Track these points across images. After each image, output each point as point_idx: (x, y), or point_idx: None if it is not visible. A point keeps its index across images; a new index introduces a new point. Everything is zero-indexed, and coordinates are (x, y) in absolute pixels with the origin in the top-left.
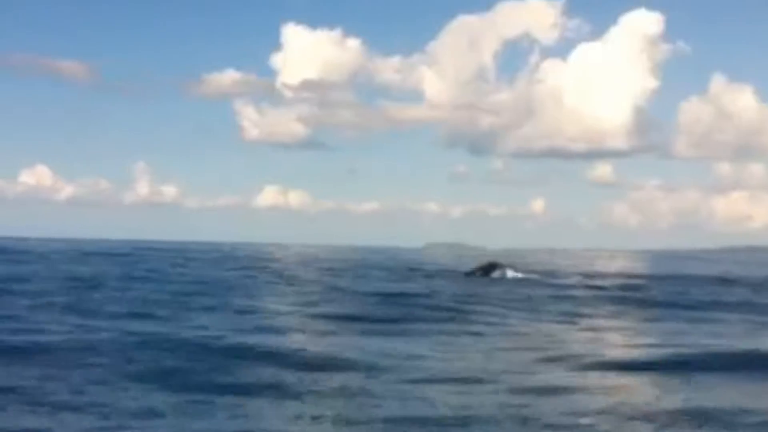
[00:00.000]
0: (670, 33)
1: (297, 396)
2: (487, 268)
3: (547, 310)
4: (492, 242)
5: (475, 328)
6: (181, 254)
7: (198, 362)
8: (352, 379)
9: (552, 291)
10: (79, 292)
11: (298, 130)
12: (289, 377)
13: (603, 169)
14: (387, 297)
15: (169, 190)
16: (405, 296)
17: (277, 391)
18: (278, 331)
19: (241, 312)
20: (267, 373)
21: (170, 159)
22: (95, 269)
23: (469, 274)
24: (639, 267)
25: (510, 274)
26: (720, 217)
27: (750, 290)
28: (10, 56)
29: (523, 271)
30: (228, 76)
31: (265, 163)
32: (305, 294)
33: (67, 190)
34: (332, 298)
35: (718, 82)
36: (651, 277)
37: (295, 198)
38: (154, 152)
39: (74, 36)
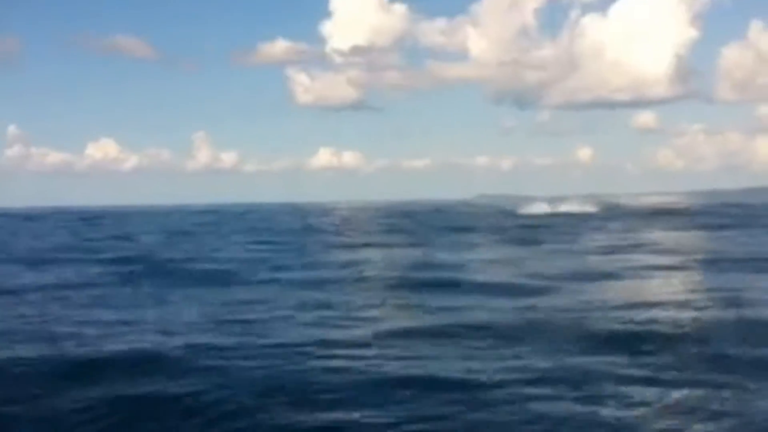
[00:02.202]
0: None
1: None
2: None
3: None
4: (541, 191)
5: None
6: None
7: None
8: None
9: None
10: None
11: (349, 93)
12: None
13: (646, 117)
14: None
15: (229, 157)
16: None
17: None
18: None
19: None
20: None
21: (228, 127)
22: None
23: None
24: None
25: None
26: (763, 157)
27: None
28: (74, 37)
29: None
30: (279, 45)
31: (318, 127)
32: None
33: (131, 161)
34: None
35: (756, 28)
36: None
37: (349, 158)
38: (212, 121)
39: (133, 14)
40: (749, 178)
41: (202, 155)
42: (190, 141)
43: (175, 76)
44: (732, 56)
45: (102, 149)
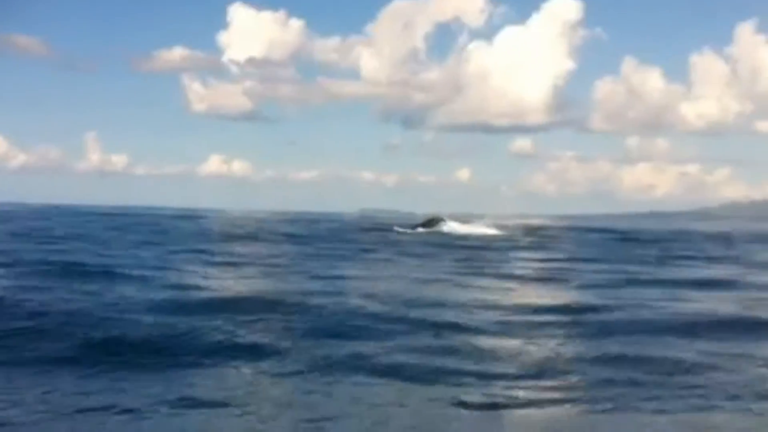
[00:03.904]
0: (588, 19)
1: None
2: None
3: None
4: (421, 208)
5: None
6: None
7: None
8: None
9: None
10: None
11: (243, 103)
12: None
13: (523, 142)
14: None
15: (120, 159)
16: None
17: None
18: None
19: None
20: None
21: (120, 130)
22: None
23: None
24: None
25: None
26: (628, 185)
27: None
28: None
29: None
30: (176, 53)
31: (211, 135)
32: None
33: (20, 158)
34: None
35: (629, 64)
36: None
37: (239, 167)
38: (105, 123)
39: (30, 12)
40: (614, 204)
41: (93, 157)
42: (81, 142)
43: (70, 77)
44: (605, 89)
45: None
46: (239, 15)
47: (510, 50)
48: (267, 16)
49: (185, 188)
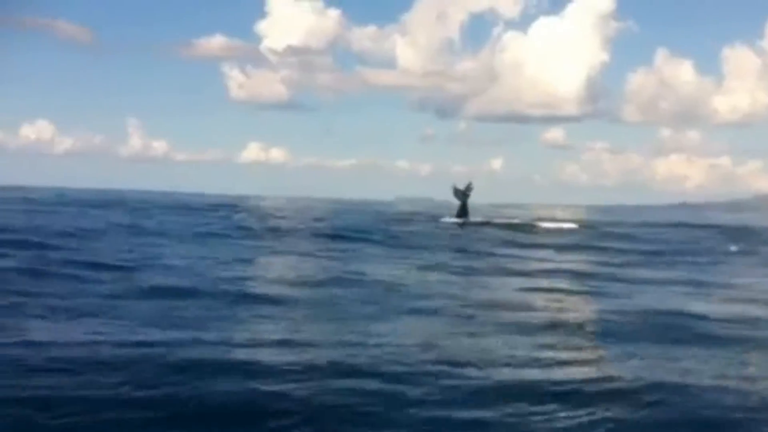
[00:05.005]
0: (620, 11)
1: None
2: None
3: None
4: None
5: None
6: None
7: None
8: None
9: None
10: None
11: (281, 92)
12: None
13: (556, 133)
14: None
15: (160, 145)
16: None
17: None
18: None
19: None
20: None
21: (161, 116)
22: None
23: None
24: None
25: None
26: (660, 177)
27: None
28: (12, 17)
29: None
30: (216, 41)
31: (249, 122)
32: None
33: (65, 143)
34: None
35: (662, 56)
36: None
37: (277, 154)
38: (145, 109)
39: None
40: (646, 195)
41: (135, 142)
42: (123, 127)
43: (113, 63)
44: (638, 81)
45: (37, 130)
46: (278, 4)
47: (544, 41)
48: (305, 6)
49: (224, 174)
